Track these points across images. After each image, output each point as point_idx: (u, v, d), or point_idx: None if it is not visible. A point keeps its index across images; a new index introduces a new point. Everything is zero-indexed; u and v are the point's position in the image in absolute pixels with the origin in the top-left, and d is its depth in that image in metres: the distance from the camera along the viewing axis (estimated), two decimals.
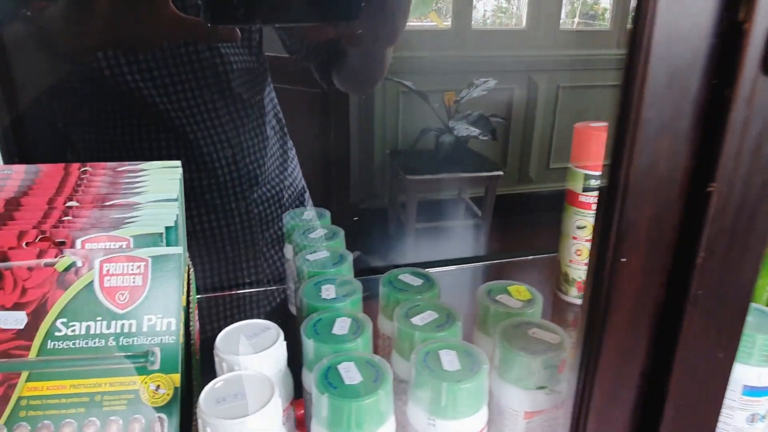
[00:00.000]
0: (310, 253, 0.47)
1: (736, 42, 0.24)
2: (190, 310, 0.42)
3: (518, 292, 0.42)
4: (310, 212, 0.56)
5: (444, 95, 2.04)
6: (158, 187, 0.41)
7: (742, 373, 0.38)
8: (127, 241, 0.35)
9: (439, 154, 2.03)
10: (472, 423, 0.33)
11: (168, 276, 0.35)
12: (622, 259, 0.28)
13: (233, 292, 0.64)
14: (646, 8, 0.24)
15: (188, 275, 0.44)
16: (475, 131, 1.91)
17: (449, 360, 0.34)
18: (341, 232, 0.51)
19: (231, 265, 0.64)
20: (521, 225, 2.02)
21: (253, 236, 0.64)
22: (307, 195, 0.74)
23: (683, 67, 0.25)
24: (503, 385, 0.36)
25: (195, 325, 0.45)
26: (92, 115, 0.58)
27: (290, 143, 0.72)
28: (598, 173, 0.55)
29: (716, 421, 0.32)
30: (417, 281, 0.44)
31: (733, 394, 0.38)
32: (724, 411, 0.39)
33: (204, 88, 0.57)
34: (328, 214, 0.56)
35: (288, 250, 0.55)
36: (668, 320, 0.30)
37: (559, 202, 0.59)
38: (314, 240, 0.50)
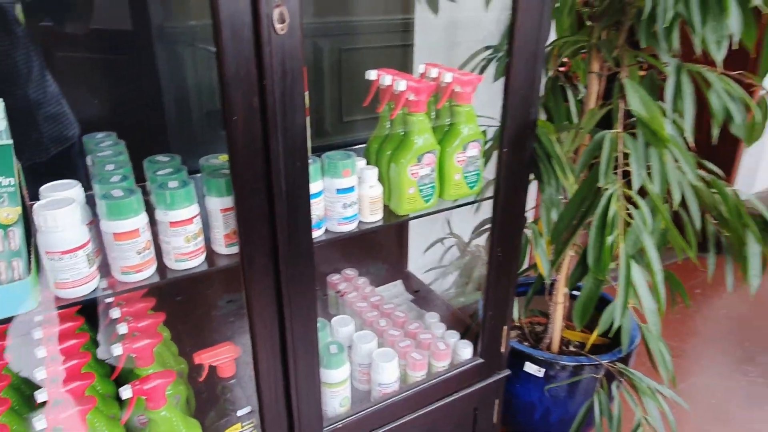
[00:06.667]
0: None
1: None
2: (24, 195, 0.69)
3: (224, 158, 0.76)
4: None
5: None
6: None
7: (336, 184, 0.75)
8: None
9: None
10: (185, 212, 0.66)
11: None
12: (234, 118, 0.63)
13: None
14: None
15: (19, 174, 0.71)
16: None
17: (173, 184, 0.67)
18: (121, 141, 0.81)
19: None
20: None
21: None
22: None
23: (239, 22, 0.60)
24: (209, 198, 0.70)
25: (29, 206, 0.72)
26: None
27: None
28: None
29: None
30: (166, 158, 0.75)
31: (332, 195, 0.76)
32: (333, 203, 0.77)
33: None
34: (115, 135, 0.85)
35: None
36: (267, 155, 0.65)
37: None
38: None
